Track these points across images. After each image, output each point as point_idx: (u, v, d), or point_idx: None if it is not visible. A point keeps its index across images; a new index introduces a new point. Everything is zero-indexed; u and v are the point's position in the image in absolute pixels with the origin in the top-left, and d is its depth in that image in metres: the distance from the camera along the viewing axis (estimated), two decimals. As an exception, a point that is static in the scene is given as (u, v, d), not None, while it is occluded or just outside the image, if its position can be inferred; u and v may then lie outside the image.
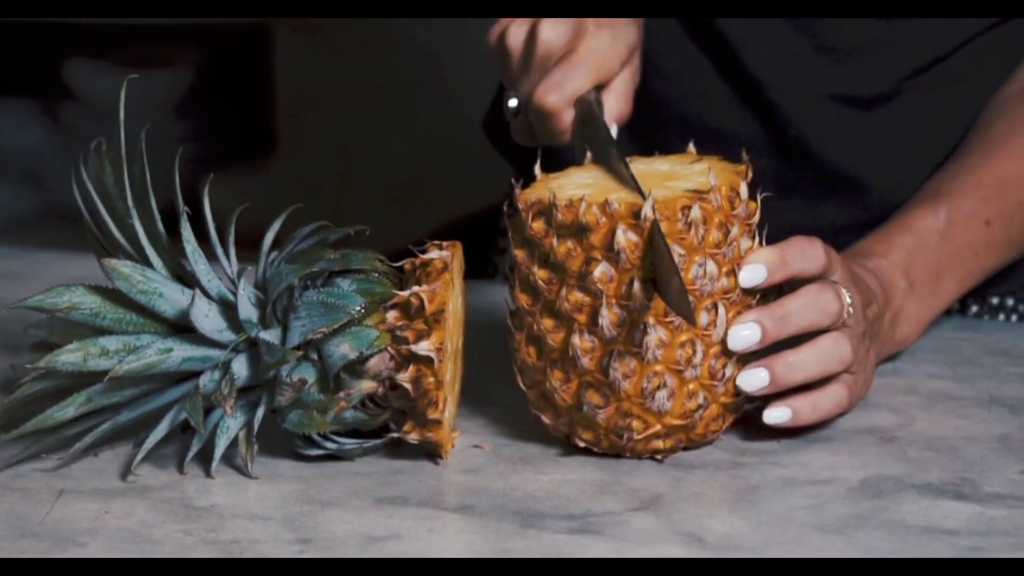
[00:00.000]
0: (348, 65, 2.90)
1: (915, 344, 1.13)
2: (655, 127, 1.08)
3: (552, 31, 1.05)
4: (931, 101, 1.21)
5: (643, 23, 1.13)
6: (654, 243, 0.88)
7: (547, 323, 0.91)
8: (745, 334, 0.91)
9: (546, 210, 0.90)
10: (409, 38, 2.83)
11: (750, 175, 0.93)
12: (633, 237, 0.89)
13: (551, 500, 0.88)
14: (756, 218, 0.93)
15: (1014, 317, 1.28)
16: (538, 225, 0.91)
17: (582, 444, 0.93)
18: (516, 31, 1.07)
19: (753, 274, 0.91)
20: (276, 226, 0.94)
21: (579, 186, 0.93)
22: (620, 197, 0.90)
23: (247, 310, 0.90)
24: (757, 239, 0.93)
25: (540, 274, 0.91)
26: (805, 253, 0.93)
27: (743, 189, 0.91)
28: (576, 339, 0.90)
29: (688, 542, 0.83)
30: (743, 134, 1.23)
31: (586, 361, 0.90)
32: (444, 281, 0.91)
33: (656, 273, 0.88)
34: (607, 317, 0.89)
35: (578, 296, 0.90)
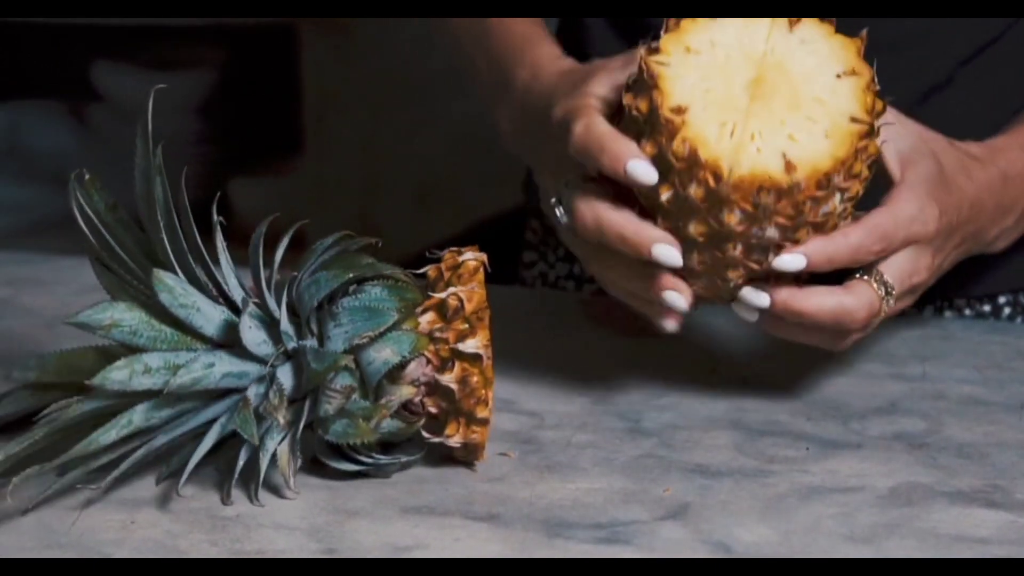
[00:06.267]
0: (374, 65, 2.90)
1: (944, 348, 1.13)
2: None
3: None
4: (987, 83, 1.20)
5: None
6: None
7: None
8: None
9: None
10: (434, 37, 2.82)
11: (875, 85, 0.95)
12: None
13: (578, 509, 0.88)
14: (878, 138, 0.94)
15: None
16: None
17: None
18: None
19: (793, 262, 0.92)
20: (290, 233, 0.92)
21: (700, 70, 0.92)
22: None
23: (285, 322, 0.89)
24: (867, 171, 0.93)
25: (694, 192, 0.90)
26: (855, 257, 0.94)
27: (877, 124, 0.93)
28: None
29: (715, 551, 0.82)
30: None
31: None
32: (479, 281, 0.91)
33: None
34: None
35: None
